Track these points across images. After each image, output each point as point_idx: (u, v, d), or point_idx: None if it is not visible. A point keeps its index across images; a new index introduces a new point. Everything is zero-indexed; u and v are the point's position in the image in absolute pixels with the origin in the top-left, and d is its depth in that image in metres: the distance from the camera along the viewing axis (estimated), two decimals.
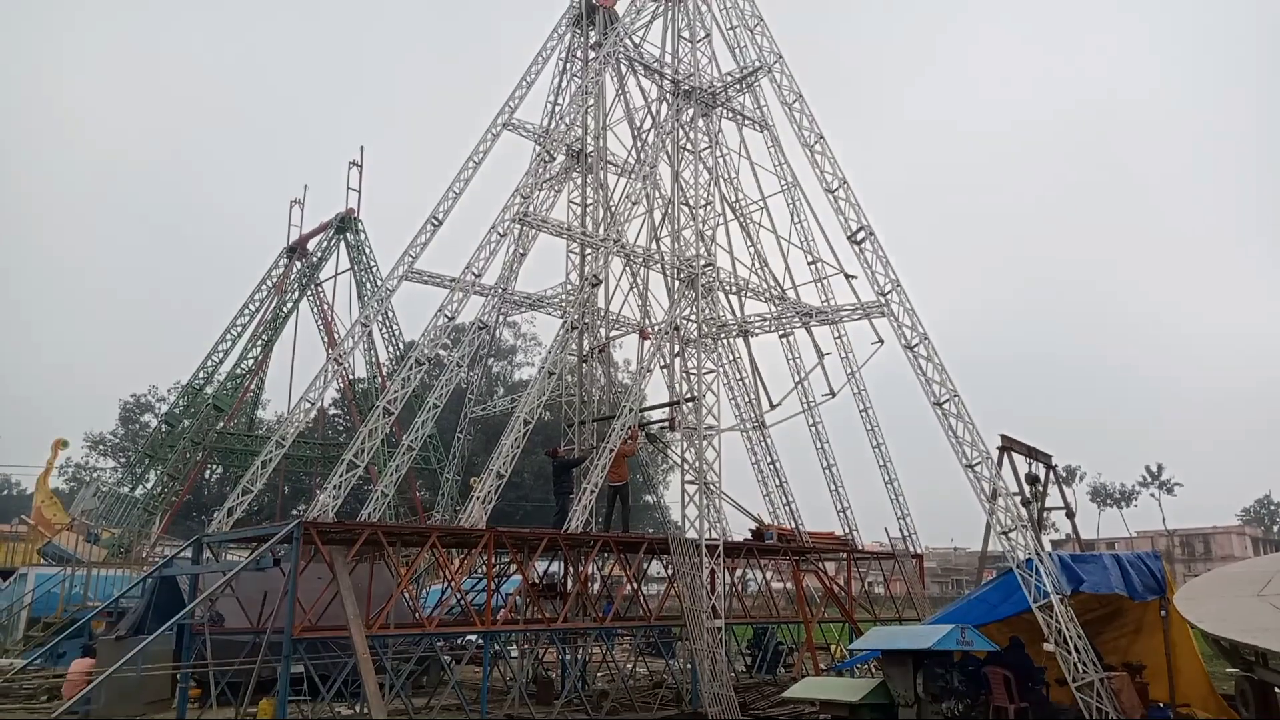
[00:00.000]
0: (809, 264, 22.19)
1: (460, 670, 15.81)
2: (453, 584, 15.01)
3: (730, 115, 23.10)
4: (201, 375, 33.79)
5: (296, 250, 36.65)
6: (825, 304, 21.72)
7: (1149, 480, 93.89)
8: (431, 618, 14.32)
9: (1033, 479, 18.22)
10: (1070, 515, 19.97)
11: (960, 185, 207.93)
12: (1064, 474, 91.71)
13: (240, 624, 15.78)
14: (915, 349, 15.90)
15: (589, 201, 23.33)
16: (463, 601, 14.99)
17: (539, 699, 16.50)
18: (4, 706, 14.50)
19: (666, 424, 20.42)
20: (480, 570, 17.64)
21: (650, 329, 22.57)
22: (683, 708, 16.10)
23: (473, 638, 19.63)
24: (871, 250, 17.83)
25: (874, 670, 14.82)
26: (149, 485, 30.64)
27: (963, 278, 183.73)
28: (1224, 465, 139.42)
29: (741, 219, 23.38)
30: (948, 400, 14.85)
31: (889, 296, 17.02)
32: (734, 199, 23.46)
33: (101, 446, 70.90)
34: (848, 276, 20.45)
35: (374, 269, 35.52)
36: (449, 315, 16.77)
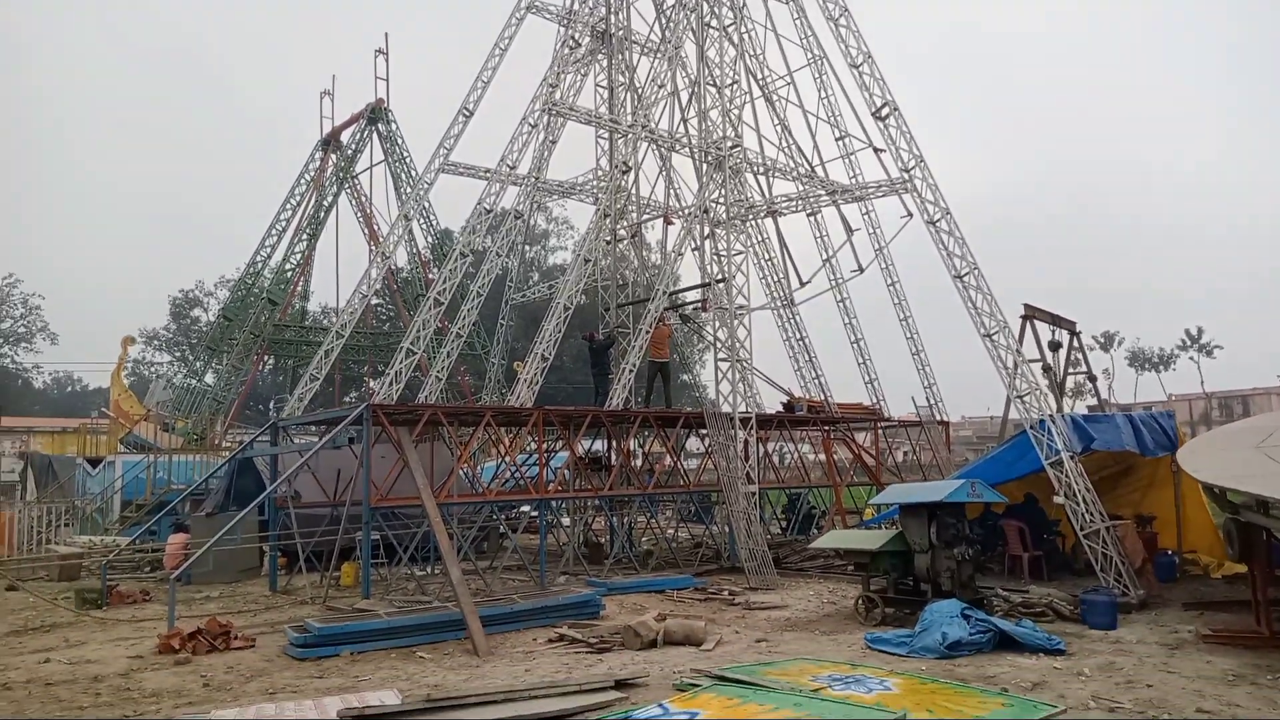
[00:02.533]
0: (836, 139, 22.34)
1: (517, 537, 17.30)
2: (508, 458, 16.29)
3: None
4: (252, 271, 35.10)
5: (330, 143, 37.09)
6: (853, 180, 22.00)
7: (1188, 343, 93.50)
8: (490, 489, 15.66)
9: (1055, 346, 18.89)
10: (1092, 379, 20.69)
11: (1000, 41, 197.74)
12: (1101, 339, 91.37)
13: (316, 499, 17.34)
14: (937, 224, 16.34)
15: (616, 84, 23.45)
16: (517, 474, 16.32)
17: (590, 560, 18.03)
18: (116, 576, 16.25)
19: (699, 305, 21.21)
20: (529, 448, 19.00)
21: (673, 213, 23.08)
22: (721, 563, 17.53)
23: (526, 509, 21.22)
24: (896, 126, 17.98)
25: (895, 527, 16.02)
26: (213, 377, 32.49)
27: (1003, 145, 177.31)
28: (1266, 327, 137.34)
29: (768, 95, 23.41)
30: (967, 273, 15.41)
31: (912, 172, 17.32)
32: (760, 76, 23.43)
33: (156, 341, 73.60)
34: (876, 150, 20.60)
35: (408, 159, 35.99)
36: (487, 207, 17.47)
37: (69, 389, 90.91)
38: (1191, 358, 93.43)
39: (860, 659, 9.23)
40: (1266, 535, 10.51)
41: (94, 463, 25.94)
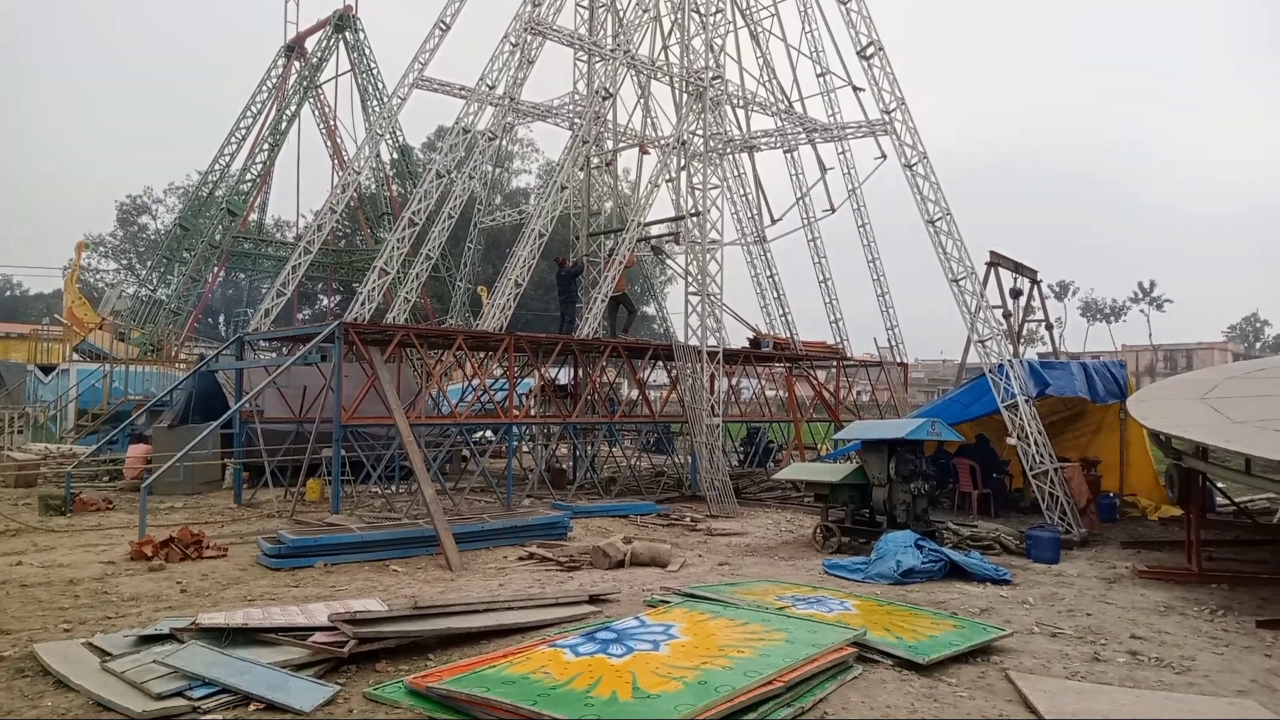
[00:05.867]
0: (817, 76, 22.25)
1: (484, 461, 17.53)
2: (479, 382, 16.39)
3: None
4: (210, 179, 34.14)
5: (294, 50, 35.83)
6: (831, 119, 21.99)
7: (1140, 296, 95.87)
8: (459, 412, 15.79)
9: (1016, 293, 19.34)
10: (1049, 327, 21.29)
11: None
12: (1056, 288, 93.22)
13: (279, 414, 17.31)
14: (914, 168, 16.49)
15: (597, 5, 22.91)
16: (486, 397, 16.46)
17: (553, 485, 18.35)
18: (76, 485, 16.13)
19: (671, 237, 21.25)
20: (497, 373, 19.09)
21: (649, 145, 22.91)
22: (683, 491, 17.98)
23: (490, 435, 21.40)
24: (880, 67, 17.94)
25: (854, 462, 16.56)
26: (171, 287, 31.83)
27: (979, 98, 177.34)
28: (1216, 286, 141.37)
29: (751, 26, 23.12)
30: (940, 218, 15.65)
31: (893, 115, 17.37)
32: (745, 4, 23.10)
33: (102, 248, 71.37)
34: (855, 89, 20.61)
35: (375, 71, 35.01)
36: (465, 128, 17.19)
37: (8, 293, 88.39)
38: (1142, 310, 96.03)
39: (819, 583, 9.66)
40: (1203, 480, 11.12)
41: (46, 370, 25.48)
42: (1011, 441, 13.91)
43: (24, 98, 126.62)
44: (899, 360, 22.77)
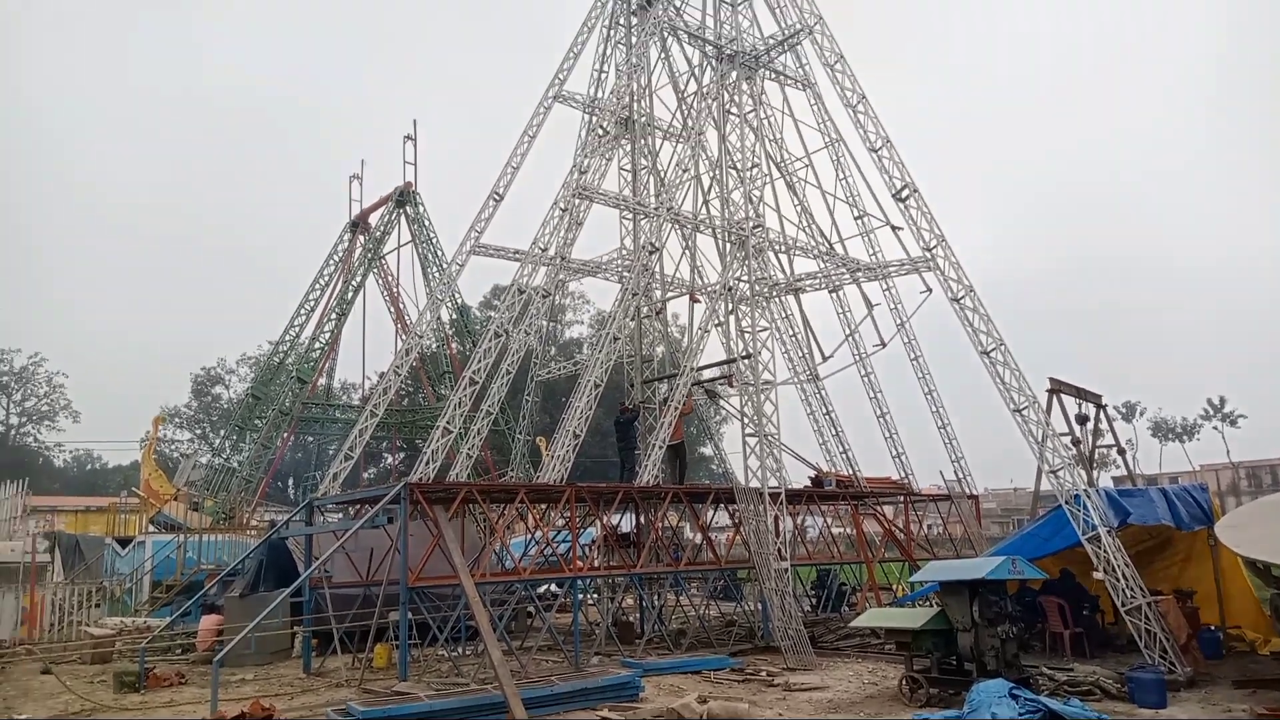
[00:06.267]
0: (855, 218, 22.83)
1: (550, 617, 17.26)
2: (542, 535, 16.34)
3: (773, 76, 23.62)
4: (280, 349, 35.74)
5: (359, 225, 38.11)
6: (873, 258, 22.40)
7: (1211, 413, 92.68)
8: (523, 567, 15.69)
9: (1082, 419, 18.93)
10: (1121, 452, 20.65)
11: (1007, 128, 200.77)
12: (1124, 410, 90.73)
13: (347, 578, 17.36)
14: (961, 301, 16.62)
15: (639, 168, 24.13)
16: (549, 550, 16.35)
17: (621, 639, 17.87)
18: (150, 659, 16.20)
19: (724, 380, 21.41)
20: (557, 524, 19.03)
21: (699, 292, 23.51)
22: (756, 642, 17.34)
23: (556, 589, 21.13)
24: (916, 207, 18.42)
25: (933, 604, 15.89)
26: (243, 455, 32.81)
27: (1016, 225, 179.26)
28: None
29: (787, 177, 24.04)
30: (994, 349, 15.61)
31: (934, 251, 17.66)
32: (780, 158, 24.10)
33: (177, 419, 74.21)
34: (894, 228, 21.05)
35: (434, 240, 36.92)
36: (520, 289, 17.91)
37: (89, 467, 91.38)
38: (1215, 427, 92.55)
39: None
40: None
41: (123, 543, 26.07)
42: (1098, 576, 13.29)
43: (107, 281, 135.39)
44: (968, 493, 22.15)
